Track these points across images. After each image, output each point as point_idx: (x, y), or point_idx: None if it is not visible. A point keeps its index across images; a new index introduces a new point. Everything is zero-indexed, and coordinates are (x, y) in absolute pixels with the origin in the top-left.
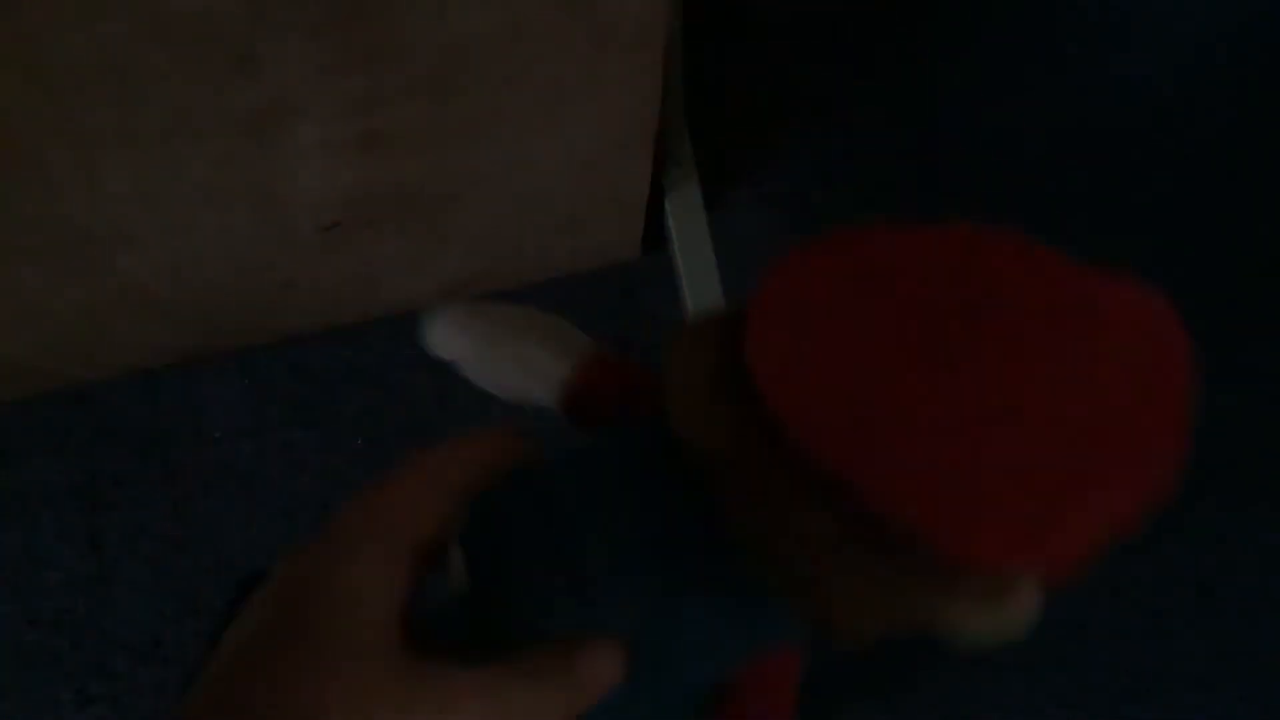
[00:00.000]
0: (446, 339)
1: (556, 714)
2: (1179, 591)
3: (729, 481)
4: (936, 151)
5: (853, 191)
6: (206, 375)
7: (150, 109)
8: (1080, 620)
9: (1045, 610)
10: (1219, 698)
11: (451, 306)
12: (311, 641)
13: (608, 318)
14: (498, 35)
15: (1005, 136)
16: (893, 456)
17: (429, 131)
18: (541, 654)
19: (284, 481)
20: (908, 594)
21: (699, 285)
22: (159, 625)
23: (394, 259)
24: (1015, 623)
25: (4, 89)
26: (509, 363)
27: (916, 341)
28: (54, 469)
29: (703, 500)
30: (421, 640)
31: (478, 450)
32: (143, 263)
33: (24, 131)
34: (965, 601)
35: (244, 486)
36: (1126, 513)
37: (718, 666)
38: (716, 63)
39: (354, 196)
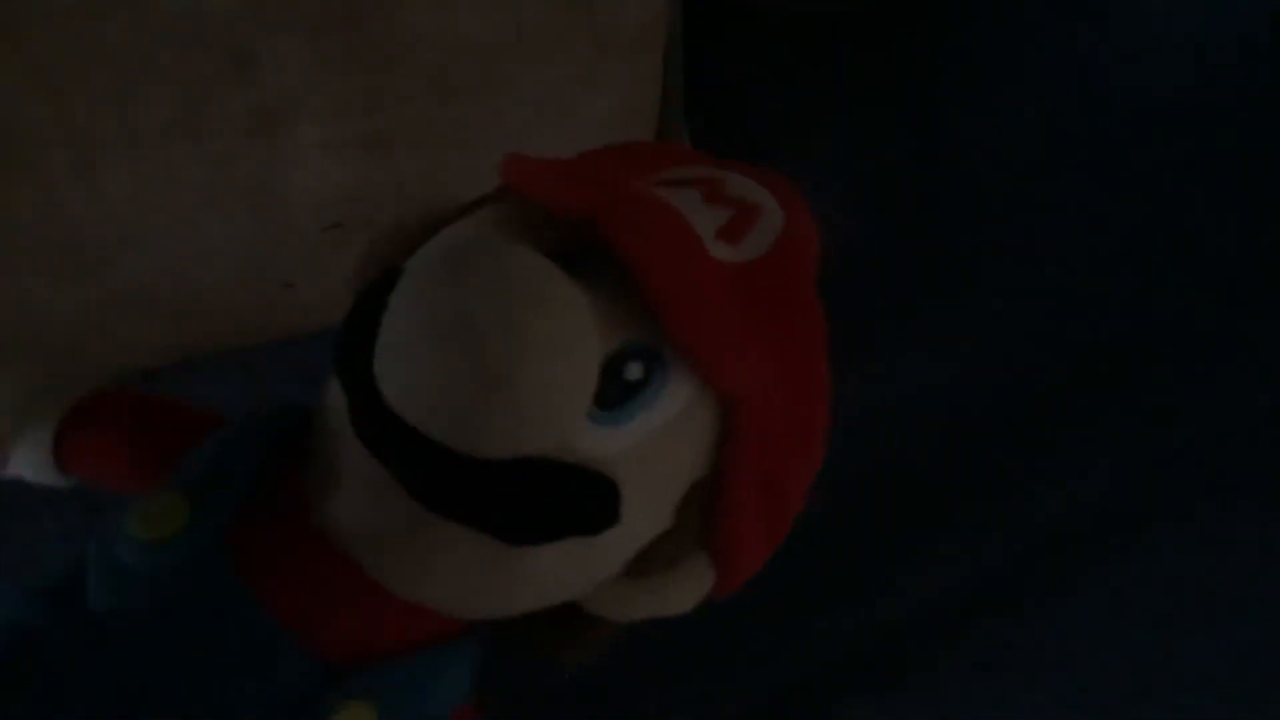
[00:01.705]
0: None
1: None
2: (1179, 591)
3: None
4: (936, 151)
5: (853, 191)
6: (206, 374)
7: (150, 109)
8: (1080, 620)
9: (1045, 611)
10: (1219, 698)
11: None
12: None
13: None
14: (498, 36)
15: (1005, 136)
16: None
17: (429, 131)
18: None
19: None
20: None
21: None
22: None
23: None
24: (683, 604)
25: (4, 89)
26: None
27: None
28: None
29: None
30: None
31: None
32: (143, 264)
33: (24, 131)
34: (642, 582)
35: None
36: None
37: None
38: (717, 63)
39: (354, 196)
